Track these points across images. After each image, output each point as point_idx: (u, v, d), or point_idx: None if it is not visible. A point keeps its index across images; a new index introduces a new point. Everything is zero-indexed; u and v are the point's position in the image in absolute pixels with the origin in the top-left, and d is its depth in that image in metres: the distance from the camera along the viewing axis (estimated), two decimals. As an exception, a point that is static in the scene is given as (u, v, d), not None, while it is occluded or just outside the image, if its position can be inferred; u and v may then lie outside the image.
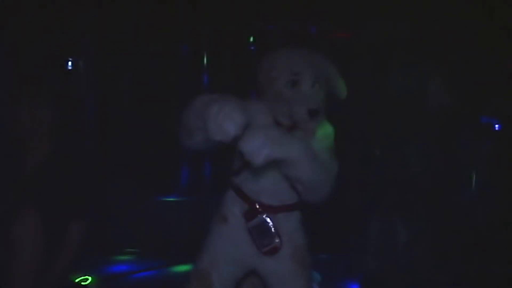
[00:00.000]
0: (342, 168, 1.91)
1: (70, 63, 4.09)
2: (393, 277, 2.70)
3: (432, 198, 2.71)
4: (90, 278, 2.60)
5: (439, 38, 2.89)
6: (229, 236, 2.02)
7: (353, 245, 2.86)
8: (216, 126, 1.61)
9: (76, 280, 2.53)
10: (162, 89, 4.28)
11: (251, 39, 4.27)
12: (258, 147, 1.62)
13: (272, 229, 1.93)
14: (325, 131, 2.01)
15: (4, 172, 2.15)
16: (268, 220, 1.94)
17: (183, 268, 3.33)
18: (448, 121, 2.75)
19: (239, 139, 1.63)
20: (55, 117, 2.34)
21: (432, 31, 2.90)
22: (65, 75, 4.08)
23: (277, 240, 1.93)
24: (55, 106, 2.36)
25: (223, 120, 1.60)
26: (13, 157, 2.15)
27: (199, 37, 4.17)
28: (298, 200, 1.98)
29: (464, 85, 2.85)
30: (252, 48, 4.27)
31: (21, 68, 2.85)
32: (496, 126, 3.19)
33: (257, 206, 1.95)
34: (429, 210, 2.70)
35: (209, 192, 4.06)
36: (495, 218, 3.00)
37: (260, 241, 1.95)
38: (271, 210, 1.94)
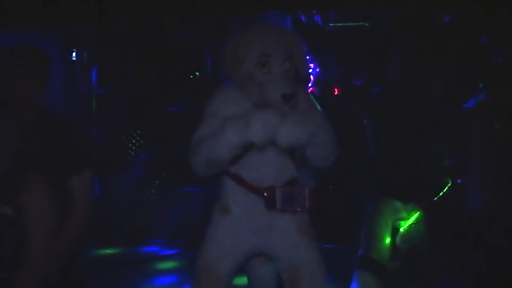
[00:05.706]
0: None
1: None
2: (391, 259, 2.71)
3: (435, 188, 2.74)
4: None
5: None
6: (234, 227, 2.04)
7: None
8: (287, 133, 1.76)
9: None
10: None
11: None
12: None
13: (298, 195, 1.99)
14: (313, 104, 2.07)
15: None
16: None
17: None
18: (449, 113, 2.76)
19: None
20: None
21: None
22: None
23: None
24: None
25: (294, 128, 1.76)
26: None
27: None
28: (296, 174, 2.06)
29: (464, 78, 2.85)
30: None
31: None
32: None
33: (265, 194, 1.98)
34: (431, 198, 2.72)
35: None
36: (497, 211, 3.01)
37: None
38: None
